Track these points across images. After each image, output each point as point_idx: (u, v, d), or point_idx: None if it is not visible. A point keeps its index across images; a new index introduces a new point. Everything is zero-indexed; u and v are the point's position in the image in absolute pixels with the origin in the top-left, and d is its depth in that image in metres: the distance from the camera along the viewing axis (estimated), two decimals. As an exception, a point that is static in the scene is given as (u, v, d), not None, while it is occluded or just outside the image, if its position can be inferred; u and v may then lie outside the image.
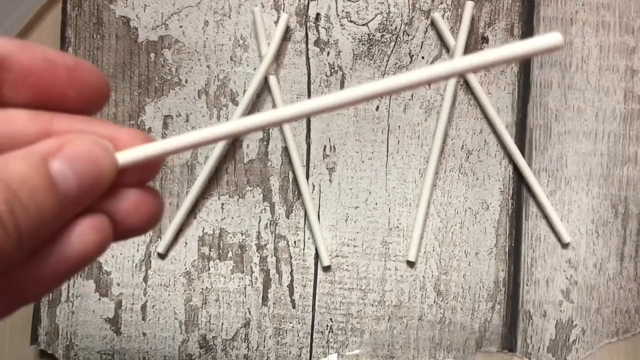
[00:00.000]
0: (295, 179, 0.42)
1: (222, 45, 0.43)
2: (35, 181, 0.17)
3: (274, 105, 0.42)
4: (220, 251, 0.42)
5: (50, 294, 0.41)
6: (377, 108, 0.42)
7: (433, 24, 0.43)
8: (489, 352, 0.41)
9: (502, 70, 0.42)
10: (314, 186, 0.42)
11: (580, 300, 0.41)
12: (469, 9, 0.42)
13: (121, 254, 0.42)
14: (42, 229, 0.17)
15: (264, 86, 0.42)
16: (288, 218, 0.42)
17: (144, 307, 0.41)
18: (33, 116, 0.19)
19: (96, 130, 0.20)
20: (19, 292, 0.19)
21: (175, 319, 0.41)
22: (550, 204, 0.41)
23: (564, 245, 0.42)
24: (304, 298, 0.41)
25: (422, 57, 0.43)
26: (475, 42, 0.43)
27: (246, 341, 0.41)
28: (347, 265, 0.42)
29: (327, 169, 0.42)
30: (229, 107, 0.42)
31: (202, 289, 0.41)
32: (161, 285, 0.42)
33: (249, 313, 0.41)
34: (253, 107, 0.42)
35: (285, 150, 0.42)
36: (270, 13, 0.43)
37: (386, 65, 0.43)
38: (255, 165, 0.42)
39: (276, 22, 0.43)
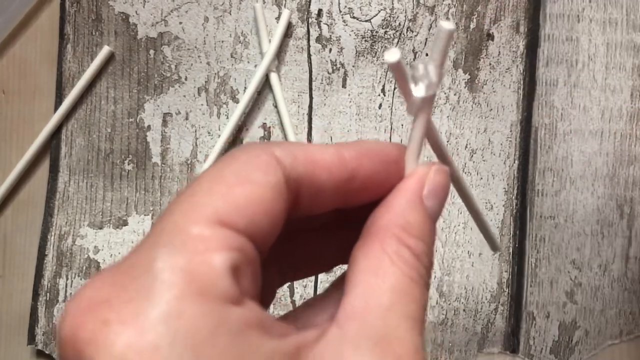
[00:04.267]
0: (296, 178, 0.41)
1: (223, 41, 0.42)
2: (424, 222, 0.20)
3: (275, 103, 0.42)
4: (221, 251, 0.41)
5: (48, 294, 0.41)
6: (380, 106, 0.42)
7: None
8: (492, 354, 0.41)
9: (508, 68, 0.42)
10: (315, 185, 0.41)
11: (584, 301, 0.41)
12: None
13: (119, 253, 0.41)
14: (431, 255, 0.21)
15: (265, 83, 0.42)
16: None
17: (143, 307, 0.41)
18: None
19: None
20: None
21: (175, 319, 0.41)
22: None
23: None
24: (304, 299, 0.41)
25: (426, 54, 0.42)
26: (480, 39, 0.42)
27: (246, 342, 0.41)
28: (349, 266, 0.41)
29: (328, 168, 0.42)
30: (229, 104, 0.42)
31: (202, 288, 0.41)
32: (161, 285, 0.41)
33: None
34: (254, 104, 0.42)
35: (287, 148, 0.41)
36: (271, 9, 0.42)
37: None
38: (256, 164, 0.42)
39: (277, 18, 0.42)
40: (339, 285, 0.22)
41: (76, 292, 0.16)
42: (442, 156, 0.23)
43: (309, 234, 0.23)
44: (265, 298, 0.23)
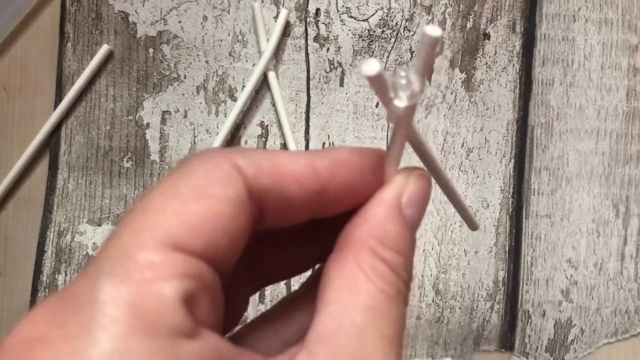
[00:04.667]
0: (293, 176, 0.42)
1: (221, 40, 0.42)
2: (403, 233, 0.19)
3: (273, 102, 0.42)
4: (218, 248, 0.41)
5: (47, 290, 0.41)
6: (377, 105, 0.42)
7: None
8: (487, 352, 0.41)
9: (504, 68, 0.42)
10: (312, 183, 0.42)
11: (580, 300, 0.41)
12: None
13: (119, 250, 0.42)
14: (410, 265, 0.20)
15: (263, 82, 0.42)
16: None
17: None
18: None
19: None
20: None
21: (173, 315, 0.41)
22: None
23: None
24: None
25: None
26: (476, 38, 0.42)
27: (243, 338, 0.41)
28: (345, 263, 0.41)
29: (325, 166, 0.42)
30: (227, 103, 0.42)
31: (199, 285, 0.41)
32: (159, 281, 0.41)
33: (246, 311, 0.41)
34: (252, 103, 0.42)
35: (284, 146, 0.42)
36: (269, 8, 0.42)
37: (386, 61, 0.42)
38: (253, 162, 0.42)
39: (275, 18, 0.42)
40: (307, 292, 0.21)
41: (14, 326, 0.15)
42: (427, 162, 0.22)
43: (282, 238, 0.22)
44: (236, 311, 0.21)
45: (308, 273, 0.25)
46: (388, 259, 0.18)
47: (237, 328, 0.22)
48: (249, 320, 0.23)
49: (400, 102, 0.18)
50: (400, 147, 0.20)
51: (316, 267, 0.23)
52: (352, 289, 0.17)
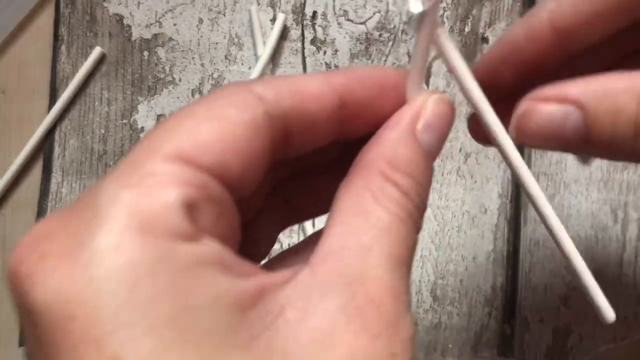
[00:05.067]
0: (290, 181, 0.41)
1: (217, 43, 0.42)
2: (415, 158, 0.18)
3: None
4: (214, 253, 0.41)
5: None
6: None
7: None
8: (485, 358, 0.41)
9: (502, 72, 0.42)
10: (309, 188, 0.41)
11: (578, 306, 0.41)
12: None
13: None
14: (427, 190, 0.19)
15: (259, 86, 0.42)
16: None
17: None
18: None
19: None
20: None
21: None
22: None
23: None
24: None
25: (421, 58, 0.42)
26: (474, 42, 0.42)
27: (239, 344, 0.41)
28: (342, 269, 0.41)
29: (322, 170, 0.41)
30: (223, 106, 0.42)
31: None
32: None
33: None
34: (248, 107, 0.42)
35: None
36: (266, 11, 0.42)
37: (384, 65, 0.42)
38: (249, 166, 0.42)
39: (272, 20, 0.42)
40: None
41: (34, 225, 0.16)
42: (462, 88, 0.19)
43: (315, 173, 0.22)
44: (262, 247, 0.21)
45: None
46: (399, 182, 0.18)
47: (264, 261, 0.22)
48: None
49: (416, 8, 0.16)
50: (420, 62, 0.18)
51: None
52: (359, 210, 0.17)
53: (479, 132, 0.22)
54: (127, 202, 0.15)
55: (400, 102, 0.19)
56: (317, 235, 0.21)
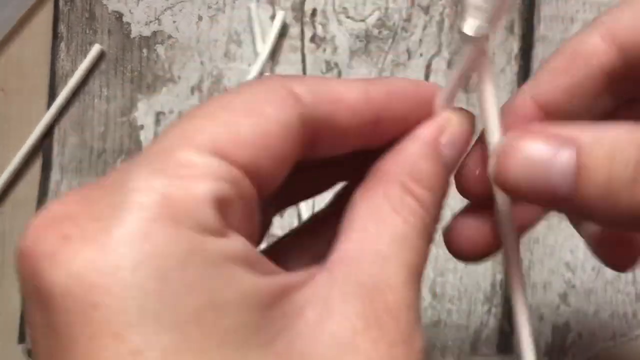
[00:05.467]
0: (289, 178, 0.41)
1: (216, 40, 0.42)
2: (436, 172, 0.19)
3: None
4: (213, 251, 0.41)
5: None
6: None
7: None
8: (484, 355, 0.41)
9: (502, 69, 0.42)
10: (308, 185, 0.41)
11: (578, 303, 0.41)
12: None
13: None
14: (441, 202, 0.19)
15: (259, 83, 0.42)
16: (282, 218, 0.41)
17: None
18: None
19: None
20: None
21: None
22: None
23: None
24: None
25: (421, 55, 0.42)
26: (474, 39, 0.42)
27: (238, 342, 0.41)
28: (342, 266, 0.41)
29: (322, 168, 0.41)
30: (222, 104, 0.42)
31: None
32: (153, 284, 0.41)
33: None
34: (247, 104, 0.42)
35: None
36: (265, 8, 0.42)
37: (383, 62, 0.42)
38: (249, 164, 0.42)
39: (272, 18, 0.42)
40: (332, 209, 0.20)
41: (47, 204, 0.15)
42: (488, 132, 0.19)
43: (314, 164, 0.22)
44: (259, 231, 0.22)
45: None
46: (418, 194, 0.18)
47: (264, 246, 0.22)
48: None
49: (468, 30, 0.16)
50: (456, 82, 0.18)
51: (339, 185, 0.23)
52: (377, 218, 0.18)
53: (466, 185, 0.22)
54: (159, 191, 0.14)
55: (428, 116, 0.19)
56: (319, 223, 0.21)
